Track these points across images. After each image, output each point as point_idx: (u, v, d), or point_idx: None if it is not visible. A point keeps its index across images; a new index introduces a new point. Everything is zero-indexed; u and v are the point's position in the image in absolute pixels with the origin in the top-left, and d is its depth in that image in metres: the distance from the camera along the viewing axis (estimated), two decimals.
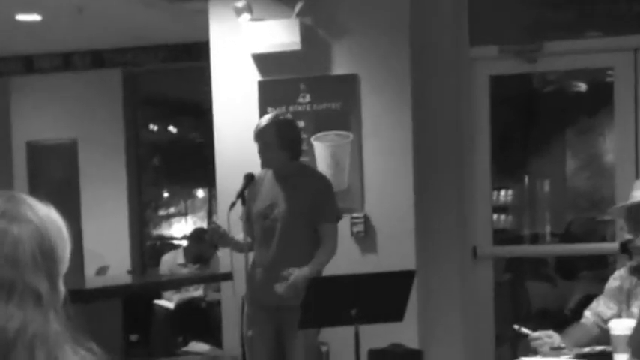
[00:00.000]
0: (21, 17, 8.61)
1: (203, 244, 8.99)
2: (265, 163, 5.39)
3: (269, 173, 5.42)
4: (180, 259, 9.08)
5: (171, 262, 9.11)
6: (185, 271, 8.85)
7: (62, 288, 1.65)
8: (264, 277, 5.32)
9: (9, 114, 10.66)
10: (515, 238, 8.48)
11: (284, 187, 5.37)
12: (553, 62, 6.84)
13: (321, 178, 5.53)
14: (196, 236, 9.18)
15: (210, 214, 11.29)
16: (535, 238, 8.57)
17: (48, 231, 1.63)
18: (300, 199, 5.33)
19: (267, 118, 5.40)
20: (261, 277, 5.34)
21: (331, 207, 5.40)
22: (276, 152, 5.31)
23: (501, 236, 7.80)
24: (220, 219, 5.80)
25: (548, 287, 8.13)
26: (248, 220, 5.42)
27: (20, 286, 1.56)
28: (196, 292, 8.93)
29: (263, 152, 5.34)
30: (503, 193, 8.79)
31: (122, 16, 8.70)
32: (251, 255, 5.47)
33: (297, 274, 5.16)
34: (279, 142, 5.29)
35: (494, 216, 7.43)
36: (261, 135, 5.32)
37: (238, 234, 5.45)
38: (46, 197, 1.68)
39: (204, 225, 10.47)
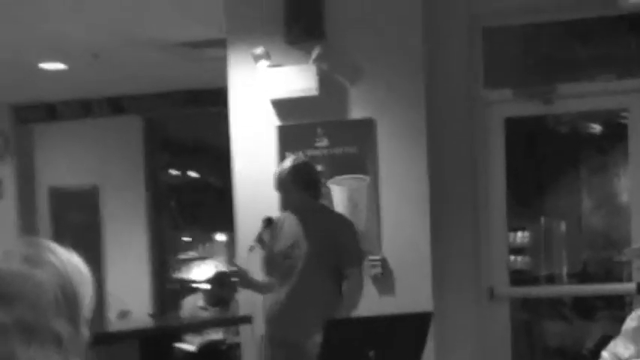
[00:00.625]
0: (44, 66, 8.77)
1: (223, 287, 9.03)
2: (286, 207, 5.49)
3: (290, 216, 5.51)
4: (201, 302, 9.12)
5: (191, 305, 9.15)
6: (206, 314, 8.89)
7: (85, 332, 1.68)
8: (284, 315, 5.38)
9: (33, 160, 10.81)
10: (532, 278, 8.50)
11: (305, 227, 5.45)
12: (567, 104, 6.87)
13: (343, 219, 5.61)
14: (216, 279, 9.22)
15: (230, 257, 11.34)
16: (552, 279, 8.59)
17: (70, 275, 1.66)
18: (321, 240, 5.41)
19: (285, 164, 5.52)
20: (281, 315, 5.40)
21: (355, 250, 5.48)
22: (296, 195, 5.42)
23: (518, 277, 7.83)
24: (240, 262, 5.88)
25: (565, 327, 8.13)
26: (269, 262, 5.50)
27: (42, 330, 1.59)
28: (217, 335, 8.97)
29: (285, 199, 5.45)
30: (519, 234, 8.82)
31: (141, 63, 8.85)
32: (259, 300, 5.57)
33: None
34: (298, 186, 5.40)
35: (511, 257, 7.47)
36: (280, 181, 5.43)
37: (259, 276, 5.54)
38: (69, 241, 1.71)
39: (225, 268, 10.53)
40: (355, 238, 5.51)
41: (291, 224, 5.45)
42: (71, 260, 1.69)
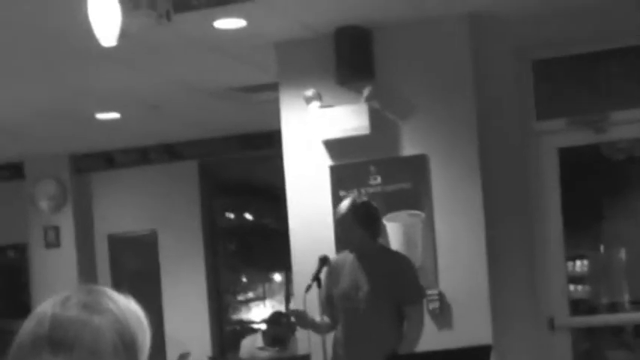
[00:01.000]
0: (100, 116, 8.93)
1: (281, 327, 9.06)
2: (346, 245, 5.53)
3: (350, 256, 5.55)
4: (259, 343, 9.15)
5: (250, 346, 9.18)
6: (264, 354, 8.91)
7: None
8: (349, 357, 5.41)
9: (91, 208, 10.96)
10: (593, 307, 8.42)
11: (366, 268, 5.49)
12: (621, 131, 6.86)
13: (402, 258, 5.66)
14: (274, 320, 9.25)
15: (288, 297, 11.38)
16: (613, 307, 8.50)
17: (128, 321, 1.67)
18: (383, 280, 5.45)
19: (345, 203, 5.58)
20: (346, 357, 5.42)
21: (415, 287, 5.51)
22: (357, 234, 5.47)
23: (578, 306, 7.76)
24: (297, 302, 5.91)
25: (628, 356, 8.04)
26: (329, 302, 5.53)
27: None
28: None
29: (347, 238, 5.50)
30: (578, 262, 8.75)
31: (196, 109, 8.96)
32: (330, 337, 5.59)
33: None
34: (358, 224, 5.46)
35: (571, 286, 7.42)
36: (341, 221, 5.49)
37: (316, 316, 5.57)
38: (128, 287, 1.75)
39: (282, 308, 10.58)
40: (415, 275, 5.56)
41: (351, 266, 5.49)
42: (129, 307, 1.71)
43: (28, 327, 1.67)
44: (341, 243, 5.55)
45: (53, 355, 1.61)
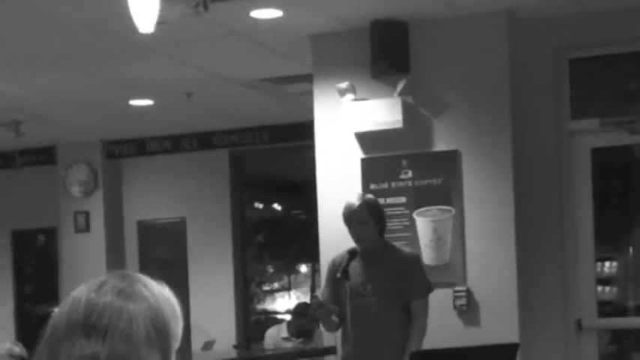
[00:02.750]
0: (134, 102, 8.97)
1: (306, 318, 9.08)
2: (363, 243, 5.53)
3: (349, 253, 5.55)
4: (284, 334, 9.16)
5: (275, 336, 9.20)
6: (289, 345, 8.93)
7: None
8: (363, 352, 5.42)
9: (121, 194, 11.03)
10: (620, 309, 8.38)
11: (374, 264, 5.51)
12: None
13: (408, 253, 5.67)
14: (299, 311, 9.27)
15: (313, 288, 11.40)
16: None
17: (161, 308, 1.67)
18: (390, 276, 5.48)
19: (355, 198, 5.59)
20: (360, 352, 5.43)
21: (421, 281, 5.52)
22: (372, 229, 5.49)
23: (606, 308, 7.73)
24: (321, 293, 5.92)
25: None
26: (335, 301, 5.55)
27: None
28: None
29: (362, 232, 5.50)
30: (607, 264, 8.71)
31: (229, 99, 8.99)
32: (338, 334, 5.63)
33: None
34: (374, 219, 5.48)
35: (599, 288, 7.39)
36: (355, 215, 5.49)
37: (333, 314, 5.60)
38: (156, 274, 1.75)
39: (307, 300, 10.59)
40: (421, 270, 5.58)
41: (357, 262, 5.50)
42: (163, 294, 1.71)
43: (62, 311, 1.68)
44: (356, 236, 5.54)
45: (86, 340, 1.61)
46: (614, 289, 8.70)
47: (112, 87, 8.26)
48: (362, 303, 5.45)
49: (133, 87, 8.20)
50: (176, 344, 1.71)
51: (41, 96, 8.49)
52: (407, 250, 5.77)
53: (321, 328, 6.69)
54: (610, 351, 7.56)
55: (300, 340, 9.01)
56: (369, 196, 5.74)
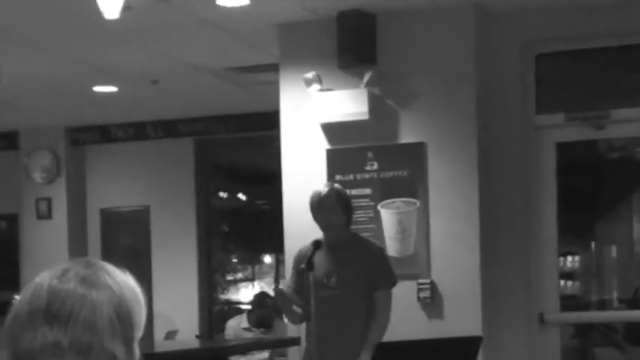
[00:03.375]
0: (98, 89, 8.90)
1: (265, 309, 9.08)
2: (329, 230, 5.52)
3: (313, 244, 5.54)
4: (245, 324, 9.16)
5: (235, 327, 9.18)
6: (250, 335, 8.93)
7: (137, 352, 1.69)
8: (329, 346, 5.40)
9: (84, 181, 10.95)
10: (583, 304, 8.45)
11: (339, 255, 5.50)
12: (620, 129, 6.86)
13: (374, 245, 5.67)
14: (259, 301, 9.26)
15: (277, 279, 11.39)
16: (603, 304, 8.53)
17: (125, 296, 1.67)
18: (355, 267, 5.47)
19: (324, 186, 5.59)
20: (326, 346, 5.41)
21: (385, 273, 5.52)
22: (339, 217, 5.48)
23: (568, 302, 7.78)
24: (286, 284, 5.91)
25: (616, 354, 8.06)
26: (299, 293, 5.53)
27: (97, 350, 1.60)
28: (261, 355, 8.99)
29: (328, 219, 5.49)
30: (570, 259, 8.77)
31: (195, 87, 8.94)
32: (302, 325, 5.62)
33: None
34: (341, 207, 5.47)
35: (561, 282, 7.43)
36: (323, 202, 5.47)
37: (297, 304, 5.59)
38: (119, 262, 1.74)
39: (267, 290, 10.58)
40: (385, 262, 5.58)
41: (323, 253, 5.48)
42: (126, 282, 1.70)
43: (24, 298, 1.67)
44: (324, 224, 5.52)
45: (49, 327, 1.61)
46: (577, 283, 8.77)
47: (77, 72, 8.18)
48: (326, 295, 5.43)
49: (102, 70, 8.13)
50: (139, 333, 1.70)
51: (4, 79, 8.39)
52: (373, 241, 5.77)
53: (285, 319, 6.68)
54: (572, 345, 7.61)
55: (261, 330, 9.00)
56: (338, 185, 5.74)
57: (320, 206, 5.50)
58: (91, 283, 1.65)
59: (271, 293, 9.62)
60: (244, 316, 9.31)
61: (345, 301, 5.44)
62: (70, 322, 1.60)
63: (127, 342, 1.66)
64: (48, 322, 1.61)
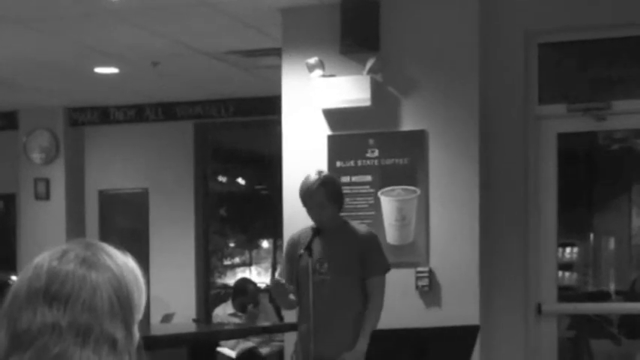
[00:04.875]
0: (99, 70, 8.87)
1: (247, 295, 9.10)
2: (318, 220, 5.49)
3: (310, 230, 5.53)
4: (230, 310, 9.18)
5: (222, 314, 9.20)
6: (237, 320, 8.95)
7: (137, 334, 1.68)
8: (322, 332, 5.40)
9: (83, 163, 10.93)
10: (580, 295, 8.45)
11: (331, 241, 5.48)
12: (621, 121, 6.84)
13: (367, 231, 5.64)
14: (240, 287, 9.28)
15: (274, 264, 11.40)
16: (599, 296, 8.53)
17: (125, 278, 1.66)
18: (347, 253, 5.46)
19: (313, 178, 5.50)
20: (319, 332, 5.41)
21: (378, 259, 5.51)
22: (327, 209, 5.44)
23: (565, 293, 7.78)
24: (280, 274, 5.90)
25: (612, 346, 8.07)
26: (292, 279, 5.52)
27: (96, 332, 1.59)
28: (256, 340, 9.01)
29: (318, 214, 5.46)
30: (568, 249, 8.77)
31: (195, 70, 8.92)
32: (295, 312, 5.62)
33: (356, 351, 5.28)
34: (331, 201, 5.43)
35: (559, 273, 7.43)
36: (312, 198, 5.44)
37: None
38: (116, 244, 1.73)
39: (267, 276, 10.58)
40: (378, 249, 5.55)
41: (315, 240, 5.47)
42: (127, 264, 1.70)
43: (23, 278, 1.66)
44: (315, 217, 5.49)
45: (48, 308, 1.60)
46: (575, 274, 8.77)
47: (78, 53, 8.16)
48: (318, 281, 5.42)
49: (103, 52, 8.09)
50: (139, 315, 1.69)
51: (4, 59, 8.37)
52: (365, 228, 5.74)
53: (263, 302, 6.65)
54: (569, 335, 7.62)
55: (247, 315, 9.02)
56: (327, 175, 5.62)
57: (309, 203, 5.47)
58: (91, 265, 1.64)
59: (254, 279, 9.70)
60: (229, 302, 9.32)
61: (335, 287, 5.43)
62: (69, 303, 1.59)
63: (127, 324, 1.65)
64: (47, 302, 1.60)
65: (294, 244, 5.55)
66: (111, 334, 1.61)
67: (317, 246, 5.46)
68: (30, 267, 1.66)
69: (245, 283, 9.30)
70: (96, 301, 1.61)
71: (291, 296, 5.53)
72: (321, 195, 5.41)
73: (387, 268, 5.55)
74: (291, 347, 6.34)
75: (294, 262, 5.50)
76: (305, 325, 5.49)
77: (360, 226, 5.71)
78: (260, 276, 11.46)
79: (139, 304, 1.69)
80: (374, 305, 5.45)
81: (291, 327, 6.28)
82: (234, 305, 9.14)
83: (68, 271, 1.62)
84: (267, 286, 9.30)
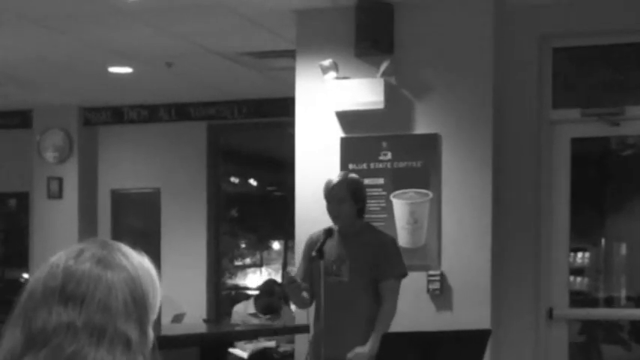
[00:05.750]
0: (113, 70, 8.89)
1: (274, 296, 9.08)
2: (337, 219, 5.51)
3: (325, 232, 5.54)
4: (251, 310, 9.16)
5: (242, 312, 9.19)
6: (256, 321, 8.93)
7: (151, 334, 1.69)
8: (333, 334, 5.40)
9: (96, 162, 10.94)
10: (591, 300, 8.42)
11: (350, 244, 5.49)
12: (635, 126, 6.83)
13: (386, 236, 5.66)
14: (267, 288, 9.27)
15: (285, 265, 11.40)
16: (610, 301, 8.50)
17: (140, 278, 1.68)
18: (366, 257, 5.46)
19: (337, 175, 5.59)
20: (331, 334, 5.41)
21: (395, 263, 5.51)
22: (349, 209, 5.46)
23: (576, 298, 7.77)
24: (296, 272, 5.90)
25: (622, 351, 8.05)
26: (308, 278, 5.53)
27: (111, 332, 1.60)
28: (269, 342, 9.00)
29: (336, 208, 5.48)
30: (579, 254, 8.74)
31: (209, 71, 8.92)
32: (311, 312, 5.61)
33: (360, 352, 5.28)
34: (352, 199, 5.45)
35: (571, 278, 7.42)
36: (333, 192, 5.46)
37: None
38: (128, 244, 1.73)
39: (277, 277, 10.58)
40: (396, 253, 5.56)
41: (334, 241, 5.48)
42: (142, 264, 1.71)
43: (39, 277, 1.67)
44: (333, 213, 5.52)
45: (63, 307, 1.60)
46: (586, 279, 8.74)
47: (92, 52, 8.17)
48: (333, 282, 5.43)
49: (118, 52, 8.11)
50: (154, 316, 1.70)
51: (19, 58, 8.39)
52: (385, 233, 5.76)
53: (291, 305, 6.68)
54: (579, 340, 7.59)
55: (268, 317, 9.01)
56: (352, 175, 5.70)
57: (329, 196, 5.51)
58: (107, 264, 1.65)
59: (279, 280, 9.66)
60: (251, 301, 9.32)
61: (351, 289, 5.44)
62: (84, 303, 1.60)
63: (142, 324, 1.65)
64: (63, 302, 1.61)
65: (312, 244, 5.56)
66: (125, 334, 1.61)
67: (334, 248, 5.47)
68: (46, 266, 1.67)
69: (272, 285, 9.28)
70: (111, 300, 1.61)
71: (305, 294, 5.53)
72: (342, 189, 5.44)
73: (403, 274, 5.55)
74: (301, 348, 6.35)
75: (309, 261, 5.52)
76: (318, 325, 5.49)
77: (381, 231, 5.73)
78: (270, 277, 11.45)
79: (154, 304, 1.70)
80: (386, 308, 5.44)
81: (304, 329, 6.27)
82: (257, 305, 9.13)
83: (84, 271, 1.63)
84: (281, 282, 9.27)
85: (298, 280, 5.49)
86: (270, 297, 9.09)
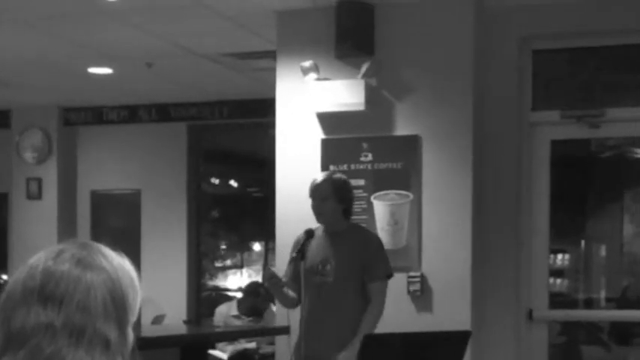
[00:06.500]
0: (93, 70, 8.86)
1: (258, 298, 9.06)
2: (320, 218, 5.51)
3: (319, 230, 5.55)
4: (234, 311, 9.15)
5: (225, 313, 9.17)
6: (238, 323, 8.92)
7: (131, 335, 1.69)
8: (317, 332, 5.40)
9: (76, 163, 10.91)
10: (570, 301, 8.46)
11: (336, 244, 5.48)
12: (615, 128, 6.86)
13: (372, 235, 5.66)
14: (252, 290, 9.25)
15: (266, 267, 11.37)
16: (590, 303, 8.54)
17: (120, 280, 1.67)
18: (351, 257, 5.46)
19: (323, 174, 5.60)
20: (314, 332, 5.41)
21: (381, 264, 5.51)
22: (332, 207, 5.46)
23: (556, 299, 7.79)
24: (277, 272, 5.90)
25: (602, 352, 8.08)
26: (295, 278, 5.53)
27: (90, 332, 1.60)
28: (250, 344, 8.98)
29: (319, 207, 5.48)
30: (559, 256, 8.77)
31: (190, 71, 8.91)
32: (292, 313, 5.60)
33: (345, 356, 5.28)
34: (335, 197, 5.45)
35: (550, 279, 7.44)
36: (317, 190, 5.47)
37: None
38: (108, 245, 1.73)
39: (258, 278, 10.56)
40: (381, 253, 5.54)
41: (320, 240, 5.48)
42: (122, 265, 1.70)
43: (18, 277, 1.66)
44: (316, 211, 5.52)
45: (42, 308, 1.60)
46: (566, 281, 8.77)
47: (72, 52, 8.14)
48: (317, 282, 5.43)
49: (98, 52, 8.08)
50: (133, 317, 1.70)
51: None
52: (371, 232, 5.76)
53: (276, 304, 6.63)
54: (559, 342, 7.62)
55: (250, 318, 8.99)
56: (339, 175, 5.69)
57: (313, 193, 5.51)
58: (87, 265, 1.64)
59: (260, 280, 9.63)
60: (234, 303, 9.30)
61: (336, 289, 5.43)
62: (63, 304, 1.60)
63: (121, 325, 1.65)
64: (41, 302, 1.60)
65: (296, 245, 5.55)
66: (104, 335, 1.61)
67: (320, 248, 5.46)
68: (25, 267, 1.66)
69: (256, 287, 9.26)
70: (90, 301, 1.61)
71: (290, 292, 5.52)
72: (326, 187, 5.44)
73: (389, 274, 5.56)
74: (282, 349, 6.34)
75: (294, 262, 5.51)
76: (301, 325, 5.49)
77: (368, 231, 5.74)
78: (251, 278, 11.43)
79: (134, 305, 1.70)
80: (373, 309, 5.44)
81: (284, 330, 6.27)
82: (240, 307, 9.11)
83: (63, 272, 1.62)
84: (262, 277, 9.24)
85: (278, 276, 5.49)
86: (255, 298, 9.08)
